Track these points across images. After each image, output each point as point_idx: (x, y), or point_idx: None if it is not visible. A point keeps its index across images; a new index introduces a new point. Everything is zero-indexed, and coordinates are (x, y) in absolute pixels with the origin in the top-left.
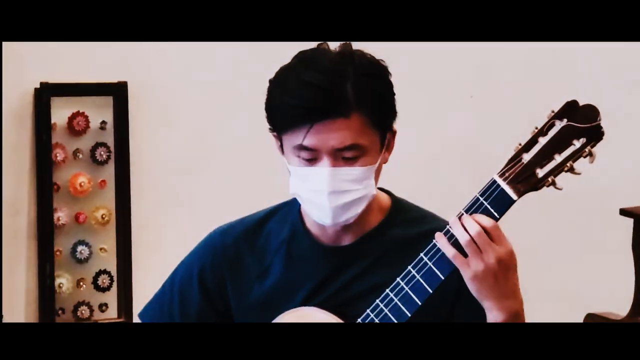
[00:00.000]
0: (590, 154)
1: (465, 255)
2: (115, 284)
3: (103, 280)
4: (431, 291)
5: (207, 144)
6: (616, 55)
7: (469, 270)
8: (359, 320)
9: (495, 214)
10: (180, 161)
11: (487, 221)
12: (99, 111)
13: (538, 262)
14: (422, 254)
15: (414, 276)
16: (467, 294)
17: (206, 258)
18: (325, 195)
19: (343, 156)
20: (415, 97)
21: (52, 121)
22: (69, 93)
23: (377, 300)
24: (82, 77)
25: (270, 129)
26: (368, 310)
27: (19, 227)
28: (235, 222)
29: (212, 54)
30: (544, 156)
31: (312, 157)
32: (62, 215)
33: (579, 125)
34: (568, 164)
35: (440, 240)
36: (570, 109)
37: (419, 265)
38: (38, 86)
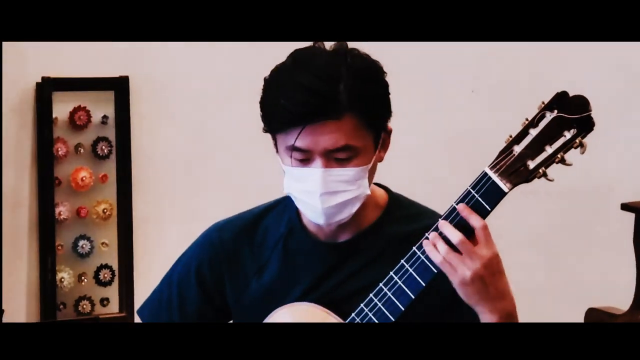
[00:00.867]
0: (581, 145)
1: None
2: (116, 279)
3: (104, 274)
4: (424, 284)
5: (208, 138)
6: (617, 52)
7: (456, 276)
8: (353, 315)
9: (487, 207)
10: (181, 155)
11: (476, 222)
12: (101, 106)
13: (540, 257)
14: (418, 252)
15: (407, 270)
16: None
17: (204, 254)
18: (317, 196)
19: (336, 157)
20: (413, 92)
21: (54, 116)
22: (71, 87)
23: (371, 295)
24: (83, 72)
25: (264, 128)
26: (362, 305)
27: (20, 222)
28: (233, 218)
29: (214, 48)
30: (534, 148)
31: (305, 157)
32: (63, 210)
33: (570, 116)
34: (559, 155)
35: (427, 247)
36: (561, 100)
37: (412, 260)
38: (39, 81)
